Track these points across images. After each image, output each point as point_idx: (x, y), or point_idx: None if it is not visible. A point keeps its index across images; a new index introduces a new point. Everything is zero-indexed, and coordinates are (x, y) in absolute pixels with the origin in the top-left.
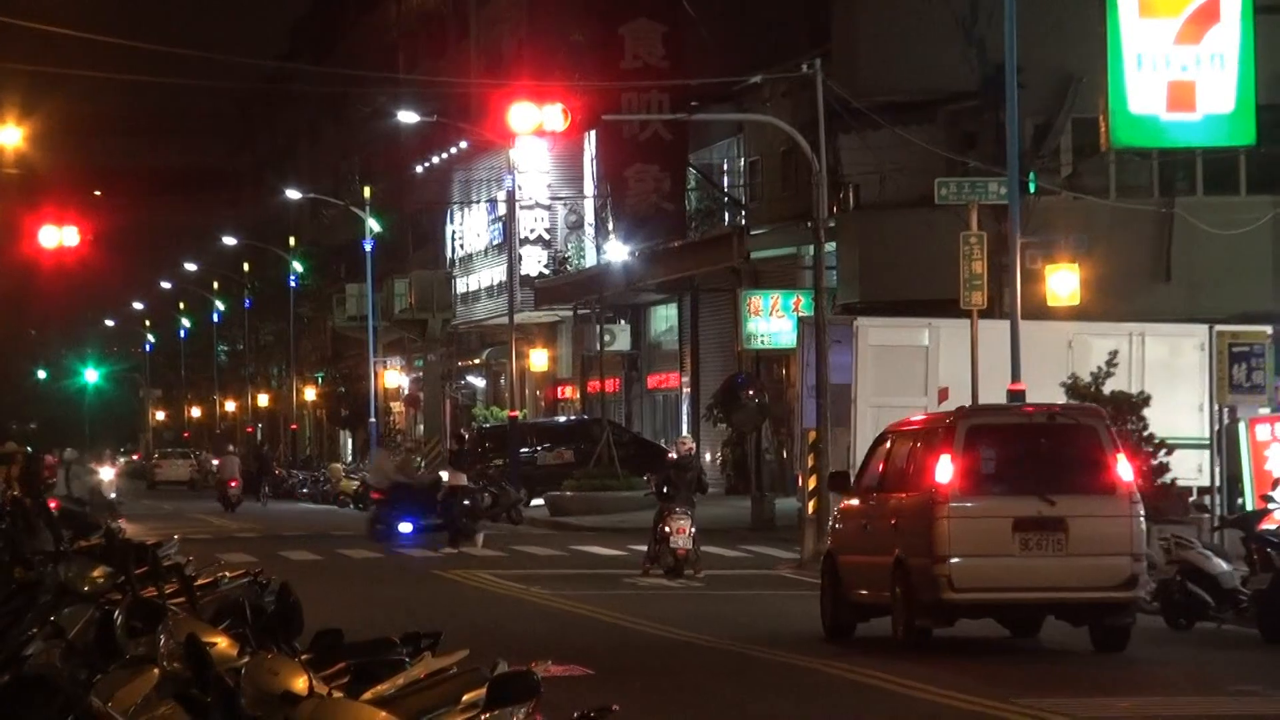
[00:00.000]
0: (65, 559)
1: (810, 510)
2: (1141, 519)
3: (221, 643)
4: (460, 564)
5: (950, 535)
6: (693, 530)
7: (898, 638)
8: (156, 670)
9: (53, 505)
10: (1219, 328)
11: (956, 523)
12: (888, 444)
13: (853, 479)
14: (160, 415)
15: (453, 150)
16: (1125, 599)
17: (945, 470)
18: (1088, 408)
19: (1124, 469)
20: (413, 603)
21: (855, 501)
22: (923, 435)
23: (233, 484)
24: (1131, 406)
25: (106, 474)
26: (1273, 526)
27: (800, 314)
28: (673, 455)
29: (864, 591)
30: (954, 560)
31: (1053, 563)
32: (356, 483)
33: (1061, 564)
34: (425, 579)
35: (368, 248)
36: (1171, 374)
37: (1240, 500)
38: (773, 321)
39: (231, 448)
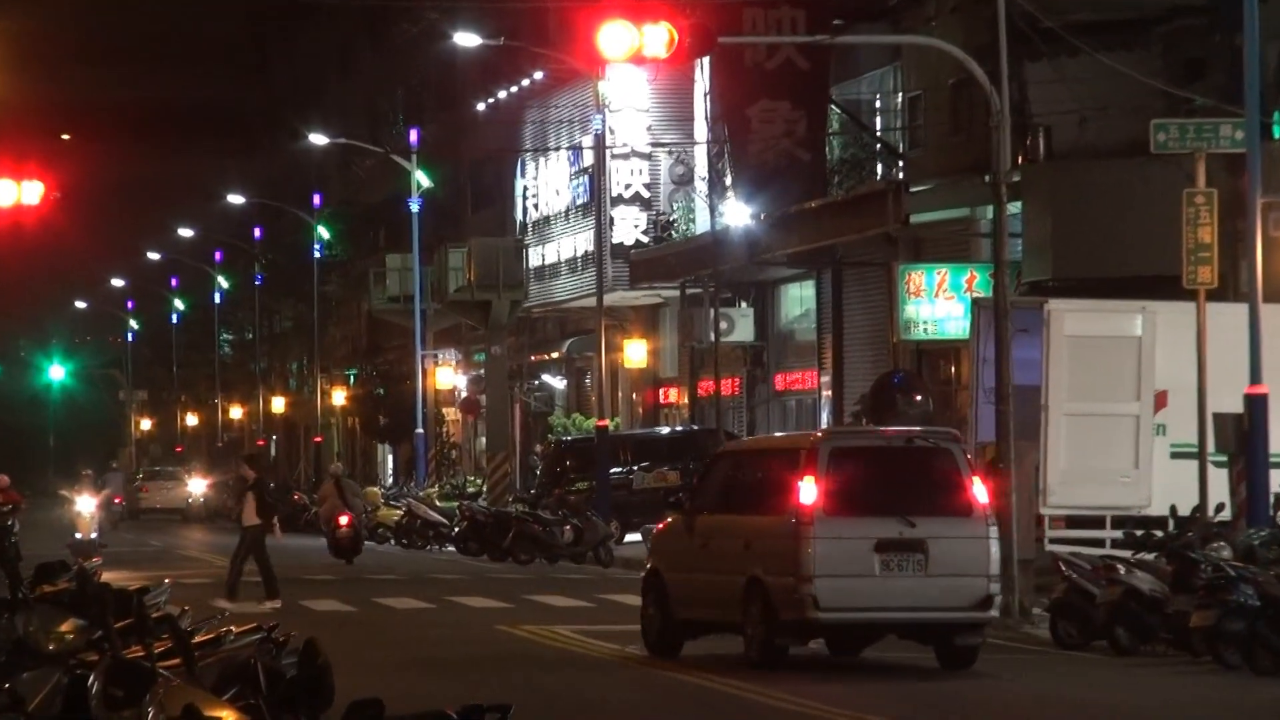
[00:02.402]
0: (25, 608)
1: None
2: (996, 541)
3: (227, 717)
4: (534, 617)
5: (815, 556)
6: None
7: (752, 656)
8: None
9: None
10: None
11: (821, 543)
12: (728, 464)
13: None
14: (146, 424)
15: (525, 83)
16: (981, 619)
17: (809, 492)
18: (945, 431)
19: (980, 491)
20: (473, 666)
21: (680, 519)
22: (780, 457)
23: (117, 500)
24: None
25: (86, 505)
26: None
27: (974, 295)
28: None
29: (701, 610)
30: (819, 580)
31: (913, 583)
32: (400, 511)
33: (921, 584)
34: (488, 636)
35: (414, 208)
36: None
37: None
38: (939, 305)
39: (114, 464)
